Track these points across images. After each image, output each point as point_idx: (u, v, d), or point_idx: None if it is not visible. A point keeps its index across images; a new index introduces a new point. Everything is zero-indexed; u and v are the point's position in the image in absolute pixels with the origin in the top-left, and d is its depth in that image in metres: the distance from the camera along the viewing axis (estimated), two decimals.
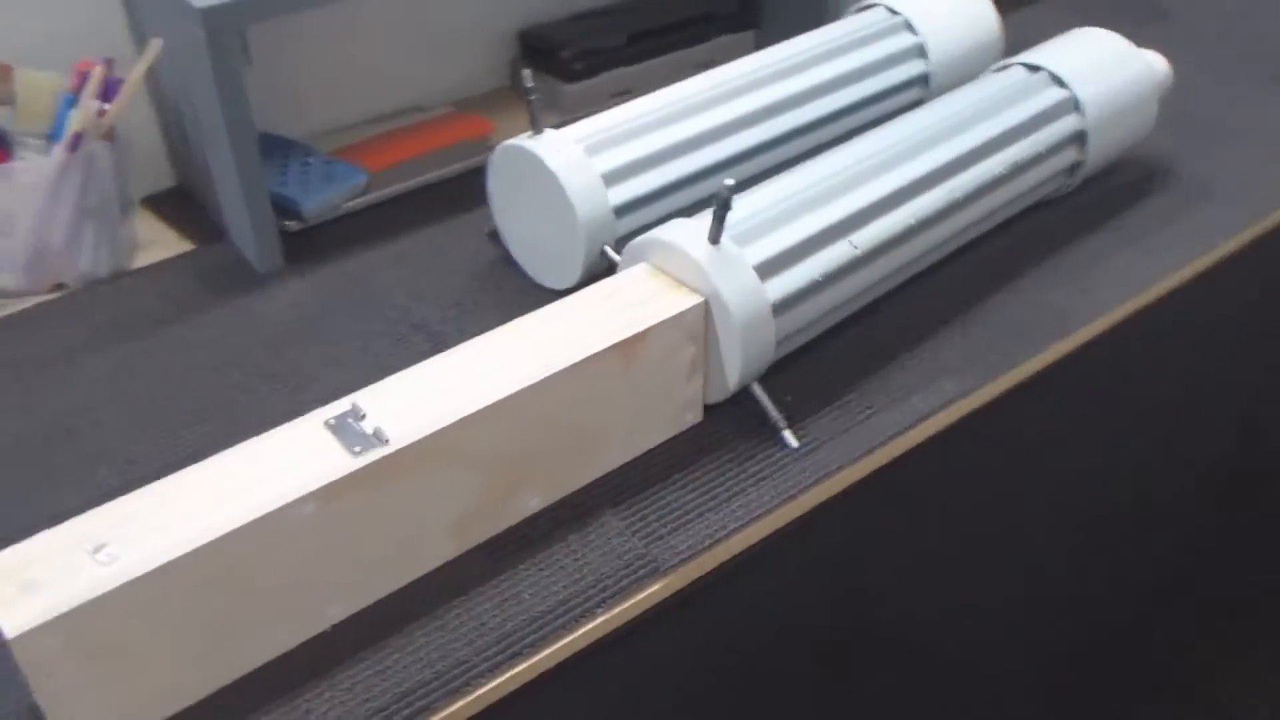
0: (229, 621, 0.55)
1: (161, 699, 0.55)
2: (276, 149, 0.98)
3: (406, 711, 0.56)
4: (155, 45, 0.84)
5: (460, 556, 0.64)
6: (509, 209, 0.86)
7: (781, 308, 0.70)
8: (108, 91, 0.85)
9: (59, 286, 0.88)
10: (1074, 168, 0.91)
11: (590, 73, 1.11)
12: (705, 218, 0.70)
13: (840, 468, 0.70)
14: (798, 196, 0.75)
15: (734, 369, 0.69)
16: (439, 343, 0.80)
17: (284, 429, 0.58)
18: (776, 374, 0.76)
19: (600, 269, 0.81)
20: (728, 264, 0.68)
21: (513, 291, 0.86)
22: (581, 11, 1.18)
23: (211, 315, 0.85)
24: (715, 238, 0.68)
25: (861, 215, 0.75)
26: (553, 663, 0.60)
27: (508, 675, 0.58)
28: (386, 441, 0.57)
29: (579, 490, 0.68)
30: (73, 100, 0.84)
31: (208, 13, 0.76)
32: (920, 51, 0.98)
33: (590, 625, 0.61)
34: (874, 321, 0.82)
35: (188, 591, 0.52)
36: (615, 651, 0.63)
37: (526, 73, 0.79)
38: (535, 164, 0.80)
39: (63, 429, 0.74)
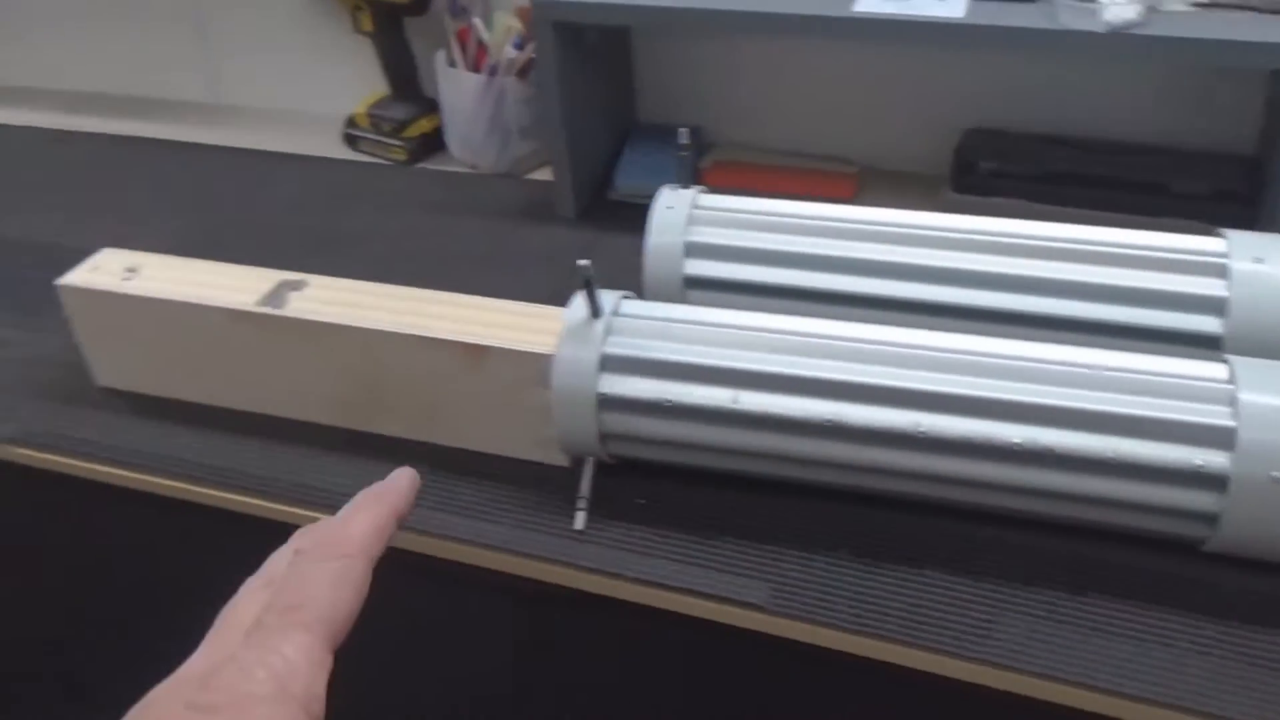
0: (182, 359, 0.85)
1: (150, 379, 0.88)
2: (662, 137, 1.16)
3: None
4: None
5: (333, 426, 0.84)
6: None
7: (611, 404, 0.72)
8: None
9: (475, 166, 1.22)
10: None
11: (983, 191, 1.05)
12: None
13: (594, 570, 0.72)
14: (740, 331, 0.73)
15: (558, 432, 0.75)
16: None
17: (252, 272, 0.84)
18: (656, 480, 0.77)
19: None
20: (582, 338, 0.73)
21: None
22: (1040, 133, 1.09)
23: (513, 226, 1.11)
24: (594, 312, 0.73)
25: (773, 380, 0.70)
26: None
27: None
28: (279, 309, 0.80)
29: (426, 443, 0.82)
30: (520, 42, 1.14)
31: (538, 6, 0.99)
32: (1218, 307, 0.76)
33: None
34: (861, 516, 0.74)
35: (155, 319, 0.84)
36: None
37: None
38: None
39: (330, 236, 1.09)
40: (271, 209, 1.17)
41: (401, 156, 1.24)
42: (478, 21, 1.15)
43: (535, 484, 0.78)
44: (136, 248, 0.88)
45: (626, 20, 1.05)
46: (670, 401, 0.71)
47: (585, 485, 0.76)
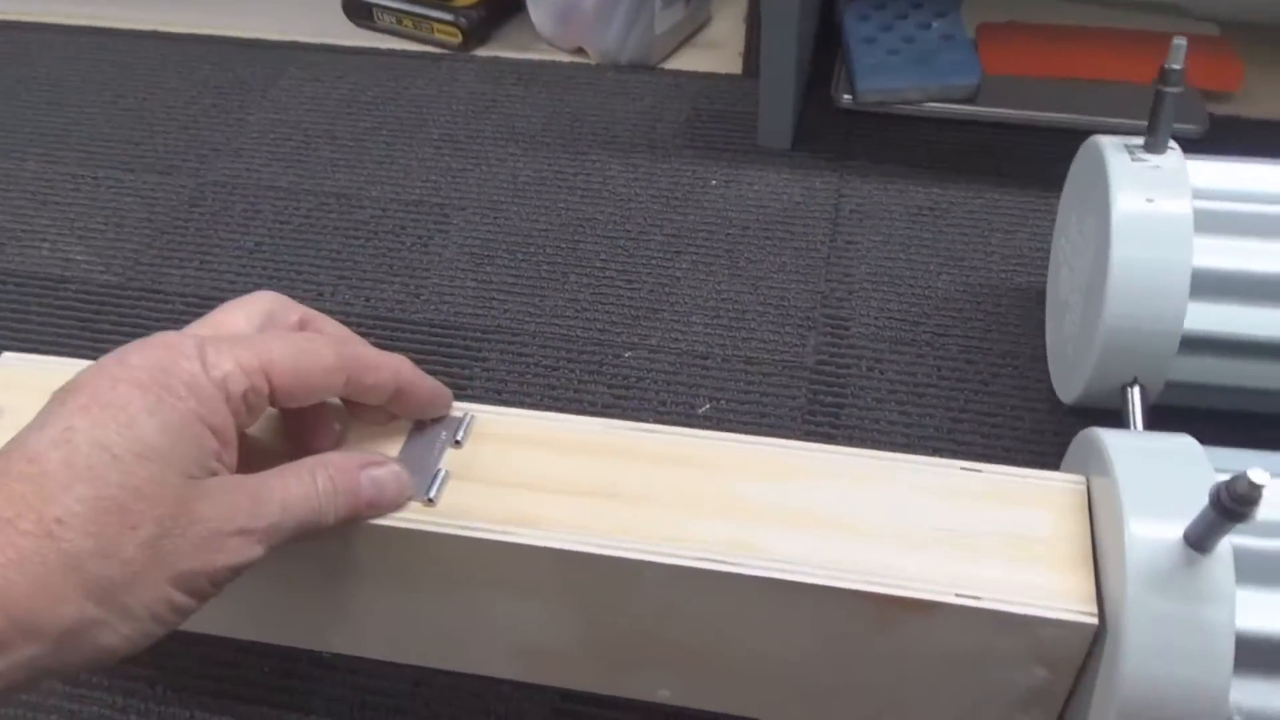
0: None
1: None
2: (884, 3, 0.71)
3: None
4: None
5: (523, 684, 0.43)
6: (1068, 234, 0.53)
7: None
8: None
9: (579, 51, 0.75)
10: None
11: None
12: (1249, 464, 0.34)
13: None
14: None
15: None
16: (837, 367, 0.54)
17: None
18: None
19: (1113, 402, 0.47)
20: (1185, 601, 0.32)
21: (987, 359, 0.55)
22: None
23: (668, 161, 0.66)
24: (1204, 542, 0.32)
25: None
26: None
27: None
28: (431, 502, 0.37)
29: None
30: None
31: None
32: None
33: None
34: None
35: None
36: None
37: (1179, 43, 0.43)
38: (1103, 188, 0.45)
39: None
40: (228, 156, 0.69)
41: (453, 37, 0.76)
42: None
43: None
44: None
45: None
46: None
47: None
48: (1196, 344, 0.44)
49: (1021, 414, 0.52)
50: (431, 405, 0.38)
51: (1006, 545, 0.36)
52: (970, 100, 0.67)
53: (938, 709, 0.39)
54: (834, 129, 0.68)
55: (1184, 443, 0.36)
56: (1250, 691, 0.32)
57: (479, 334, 0.57)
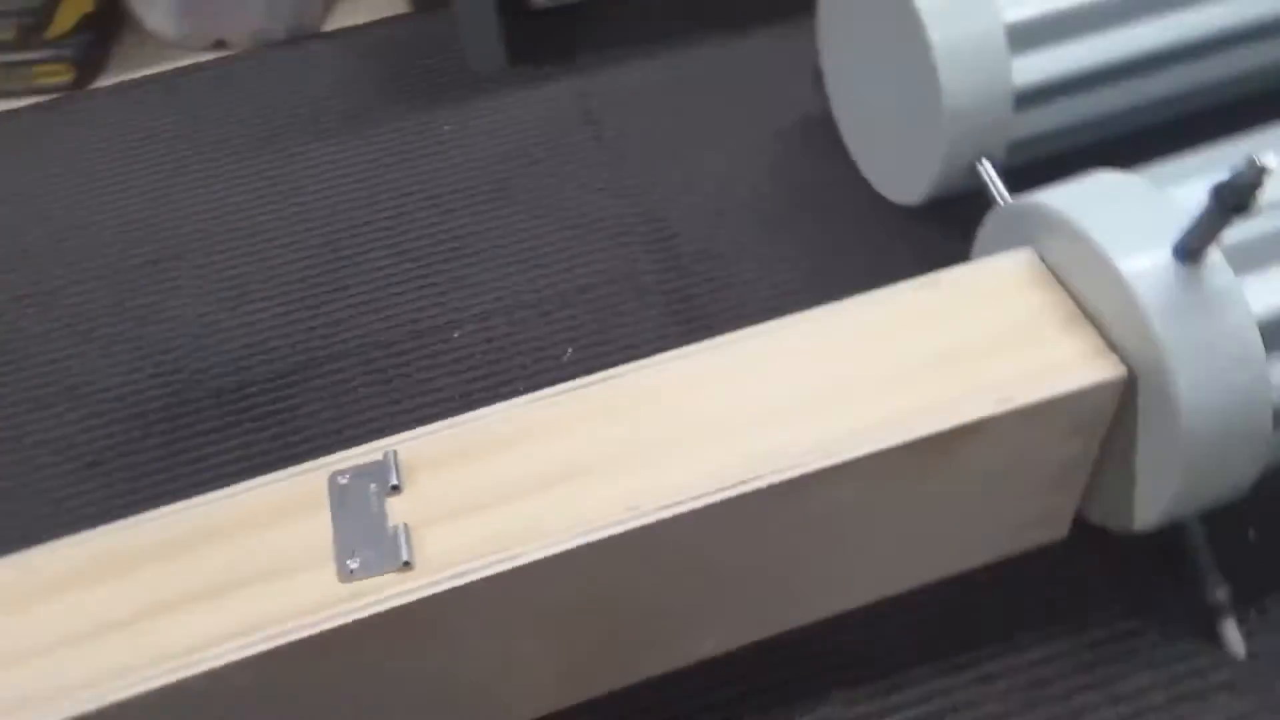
0: None
1: None
2: None
3: None
4: None
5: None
6: (844, 46, 0.51)
7: None
8: None
9: (219, 44, 0.65)
10: None
11: None
12: (1177, 179, 0.34)
13: None
14: None
15: (1159, 495, 0.34)
16: (672, 264, 0.50)
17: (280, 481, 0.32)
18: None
19: (961, 186, 0.46)
20: (1203, 312, 0.32)
21: (811, 194, 0.53)
22: None
23: (386, 125, 0.59)
24: (1195, 250, 0.32)
25: None
26: None
27: None
28: (408, 565, 0.30)
29: (780, 646, 0.38)
30: None
31: None
32: None
33: None
34: None
35: None
36: None
37: None
38: None
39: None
40: None
41: (62, 76, 0.63)
42: None
43: (1028, 616, 0.38)
44: None
45: None
46: None
47: (1212, 578, 0.37)
48: (1031, 96, 0.44)
49: (868, 233, 0.51)
50: None
51: (999, 340, 0.34)
52: None
53: (974, 527, 0.37)
54: (545, 33, 0.63)
55: (1107, 178, 0.36)
56: None
57: (277, 380, 0.48)
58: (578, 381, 0.34)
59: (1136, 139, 0.44)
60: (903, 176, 0.49)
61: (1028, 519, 0.38)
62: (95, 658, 0.29)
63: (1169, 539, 0.38)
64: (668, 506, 0.31)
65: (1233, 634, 0.37)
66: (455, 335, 0.49)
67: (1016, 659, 0.38)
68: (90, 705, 0.28)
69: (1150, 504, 0.35)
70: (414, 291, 0.51)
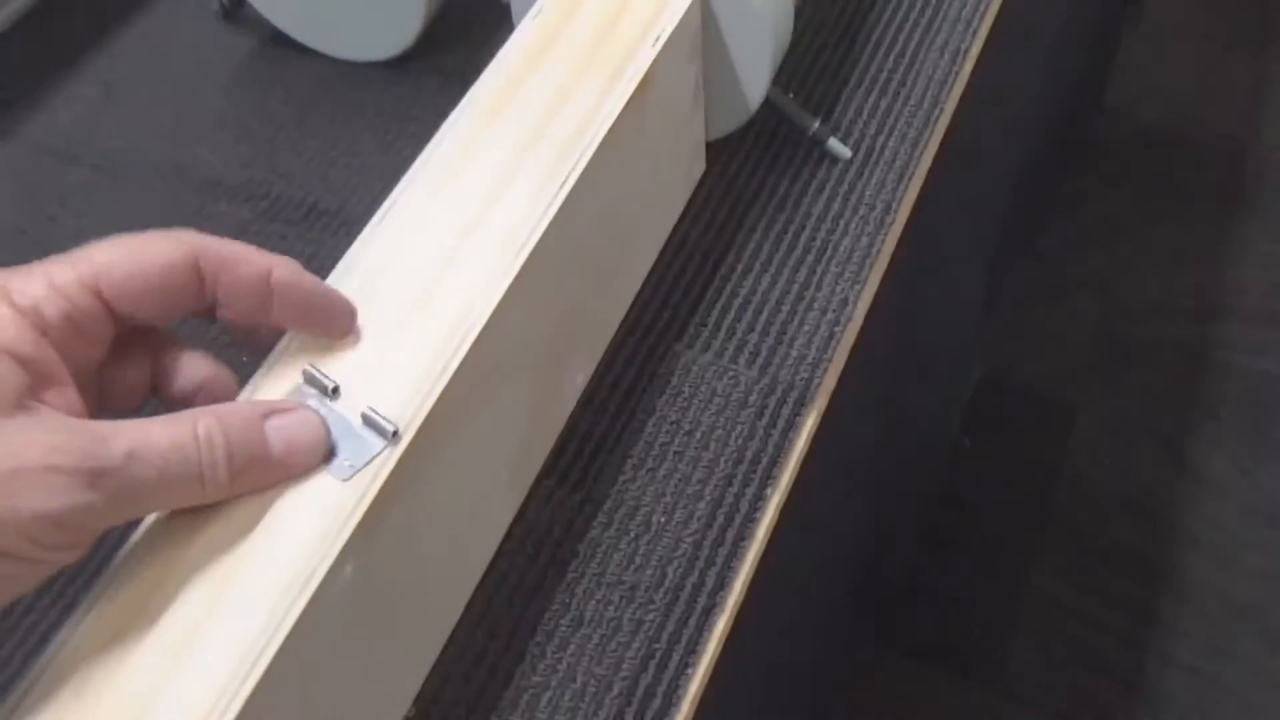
0: None
1: None
2: None
3: None
4: None
5: (529, 505, 0.39)
6: None
7: None
8: None
9: None
10: None
11: None
12: None
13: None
14: None
15: (758, 72, 0.45)
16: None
17: None
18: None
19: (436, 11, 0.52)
20: None
21: (307, 83, 0.55)
22: None
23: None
24: None
25: None
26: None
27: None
28: (395, 434, 0.30)
29: (623, 340, 0.44)
30: None
31: None
32: None
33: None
34: None
35: None
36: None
37: None
38: None
39: None
40: None
41: None
42: None
43: (731, 212, 0.49)
44: None
45: None
46: None
47: (802, 114, 0.49)
48: None
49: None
50: (327, 309, 0.31)
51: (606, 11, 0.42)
52: None
53: (672, 177, 0.45)
54: None
55: None
56: None
57: None
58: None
59: None
60: (370, 22, 0.53)
61: (694, 153, 0.47)
62: None
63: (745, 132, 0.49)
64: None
65: (836, 145, 0.50)
66: None
67: None
68: None
69: (755, 85, 0.46)
70: None
